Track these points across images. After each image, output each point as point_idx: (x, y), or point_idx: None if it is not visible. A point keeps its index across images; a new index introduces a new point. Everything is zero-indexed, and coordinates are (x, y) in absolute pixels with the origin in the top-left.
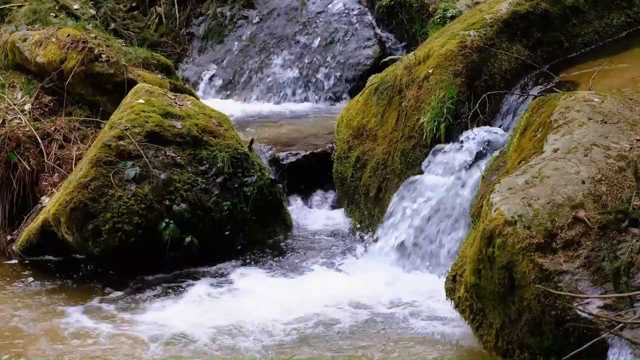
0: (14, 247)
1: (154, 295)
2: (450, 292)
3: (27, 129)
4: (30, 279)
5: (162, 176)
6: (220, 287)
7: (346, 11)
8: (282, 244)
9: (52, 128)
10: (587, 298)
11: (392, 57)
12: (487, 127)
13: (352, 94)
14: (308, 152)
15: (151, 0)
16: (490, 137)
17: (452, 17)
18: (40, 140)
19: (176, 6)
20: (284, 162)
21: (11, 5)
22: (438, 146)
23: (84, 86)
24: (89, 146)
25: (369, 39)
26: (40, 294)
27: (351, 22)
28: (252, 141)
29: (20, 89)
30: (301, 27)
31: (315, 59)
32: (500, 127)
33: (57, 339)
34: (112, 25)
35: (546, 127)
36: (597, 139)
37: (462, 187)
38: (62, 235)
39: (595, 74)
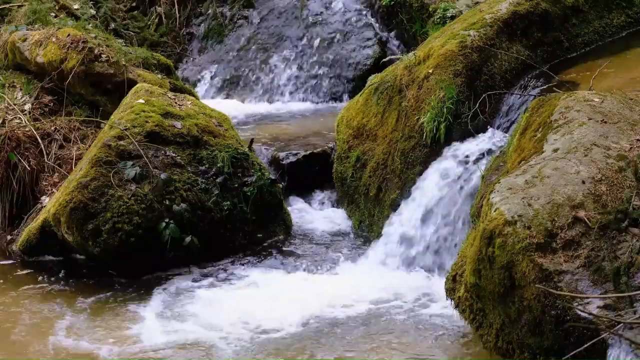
0: (14, 247)
1: (156, 296)
2: (450, 292)
3: (27, 129)
4: (30, 279)
5: (162, 176)
6: (221, 287)
7: (346, 11)
8: (282, 243)
9: (52, 128)
10: (587, 298)
11: (392, 57)
12: None
13: (352, 94)
14: (308, 152)
15: (151, 0)
16: None
17: (452, 17)
18: (40, 140)
19: (176, 6)
20: (284, 162)
21: (11, 5)
22: None
23: (84, 86)
24: (89, 146)
25: (369, 39)
26: (41, 295)
27: (351, 22)
28: (252, 141)
29: (20, 89)
30: (301, 27)
31: (315, 58)
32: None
33: (56, 339)
34: (112, 25)
35: (546, 127)
36: (597, 138)
37: None
38: (62, 235)
39: (595, 74)
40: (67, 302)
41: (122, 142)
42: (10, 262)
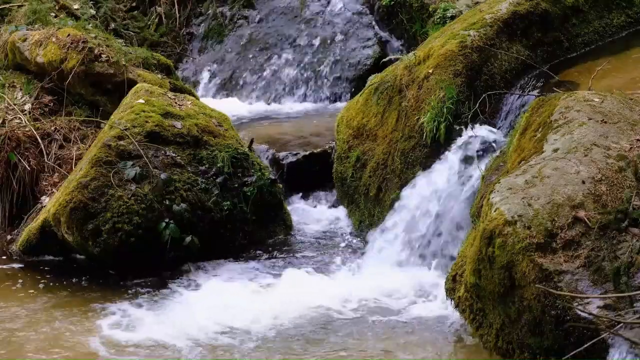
0: (14, 247)
1: (156, 295)
2: (450, 292)
3: (27, 129)
4: (30, 279)
5: (162, 176)
6: (221, 287)
7: (346, 11)
8: (282, 243)
9: (52, 128)
10: (587, 298)
11: (392, 57)
12: None
13: (352, 94)
14: (308, 152)
15: (151, 0)
16: None
17: (452, 17)
18: (40, 140)
19: (176, 6)
20: (284, 162)
21: (11, 5)
22: None
23: (84, 86)
24: (89, 146)
25: (369, 39)
26: (40, 294)
27: (351, 22)
28: (252, 141)
29: (20, 89)
30: (301, 27)
31: (315, 58)
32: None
33: (56, 340)
34: (112, 25)
35: (546, 127)
36: (597, 138)
37: None
38: (62, 235)
39: (595, 74)
40: (67, 303)
41: (122, 142)
42: (10, 262)
